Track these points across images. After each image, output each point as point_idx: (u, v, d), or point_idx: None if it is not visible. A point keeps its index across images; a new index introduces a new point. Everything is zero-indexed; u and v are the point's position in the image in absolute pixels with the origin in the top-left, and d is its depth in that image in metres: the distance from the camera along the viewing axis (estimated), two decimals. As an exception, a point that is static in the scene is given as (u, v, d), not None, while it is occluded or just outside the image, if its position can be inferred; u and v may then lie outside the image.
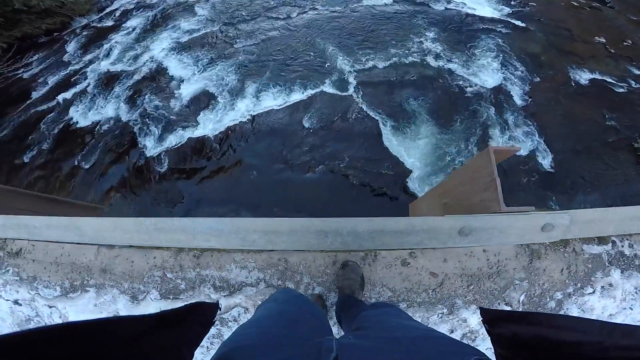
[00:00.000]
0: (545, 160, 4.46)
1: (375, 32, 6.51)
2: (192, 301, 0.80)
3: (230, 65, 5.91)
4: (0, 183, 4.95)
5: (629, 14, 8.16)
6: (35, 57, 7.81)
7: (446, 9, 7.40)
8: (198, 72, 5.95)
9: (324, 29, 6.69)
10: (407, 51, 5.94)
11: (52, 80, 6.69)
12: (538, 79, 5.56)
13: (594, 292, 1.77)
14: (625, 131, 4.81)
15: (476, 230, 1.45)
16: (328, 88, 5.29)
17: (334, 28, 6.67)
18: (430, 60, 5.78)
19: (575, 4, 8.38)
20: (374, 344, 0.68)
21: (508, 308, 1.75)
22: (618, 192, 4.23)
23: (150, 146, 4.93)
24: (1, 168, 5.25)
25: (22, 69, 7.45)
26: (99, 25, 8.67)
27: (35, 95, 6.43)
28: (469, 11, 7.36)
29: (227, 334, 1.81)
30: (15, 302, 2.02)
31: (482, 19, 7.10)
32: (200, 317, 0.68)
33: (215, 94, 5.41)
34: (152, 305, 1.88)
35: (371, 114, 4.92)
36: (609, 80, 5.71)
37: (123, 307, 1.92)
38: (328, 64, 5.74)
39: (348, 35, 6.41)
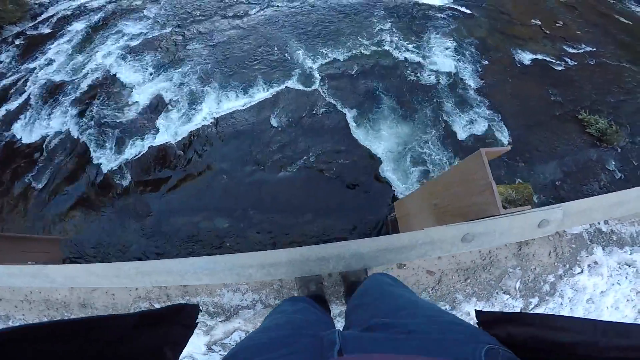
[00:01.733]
0: (503, 137, 4.64)
1: (334, 25, 6.40)
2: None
3: (187, 68, 5.49)
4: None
5: None
6: None
7: (397, -1, 7.48)
8: (151, 77, 5.47)
9: (283, 25, 6.45)
10: (365, 42, 5.90)
11: (-16, 94, 5.87)
12: (487, 62, 5.76)
13: (582, 271, 1.80)
14: (569, 105, 5.10)
15: (479, 236, 1.41)
16: (292, 84, 5.08)
17: (293, 23, 6.46)
18: (387, 49, 5.78)
19: None
20: (381, 335, 0.66)
21: (507, 297, 1.74)
22: (571, 159, 4.49)
23: (108, 159, 4.46)
24: None
25: (-51, 85, 6.49)
26: (34, 32, 7.78)
27: (-34, 113, 5.61)
28: (419, 0, 7.51)
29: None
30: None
31: (431, 7, 7.22)
32: (184, 318, 0.65)
33: (173, 99, 4.99)
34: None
35: (338, 106, 4.81)
36: (548, 59, 6.03)
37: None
38: (290, 60, 5.52)
39: (308, 30, 6.24)
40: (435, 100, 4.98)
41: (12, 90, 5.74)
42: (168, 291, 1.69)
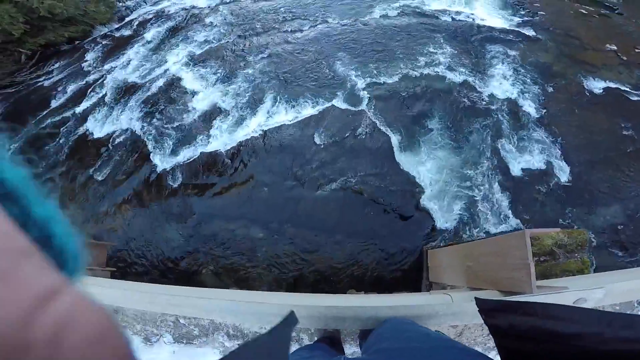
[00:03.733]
0: (562, 173, 4.17)
1: (386, 44, 6.21)
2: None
3: (243, 79, 5.65)
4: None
5: (638, 20, 7.73)
6: (56, 65, 7.69)
7: (455, 20, 7.05)
8: (211, 85, 5.69)
9: (334, 42, 6.40)
10: (417, 64, 5.62)
11: (71, 89, 6.53)
12: (551, 90, 5.21)
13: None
14: (642, 141, 4.48)
15: (506, 310, 1.32)
16: (339, 103, 5.00)
17: (345, 41, 6.39)
18: (441, 72, 5.46)
19: (583, 11, 7.96)
20: (389, 356, 0.65)
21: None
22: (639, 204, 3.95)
23: (163, 160, 4.71)
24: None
25: (44, 77, 7.34)
26: (117, 34, 8.51)
27: (54, 103, 6.29)
28: (479, 22, 7.01)
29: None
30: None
31: (491, 29, 6.74)
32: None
33: (228, 108, 5.15)
34: (165, 348, 1.84)
35: (383, 129, 4.64)
36: (623, 88, 5.34)
37: (136, 349, 1.88)
38: (339, 77, 5.45)
39: (359, 48, 6.12)
40: (489, 129, 4.60)
41: (93, 87, 6.29)
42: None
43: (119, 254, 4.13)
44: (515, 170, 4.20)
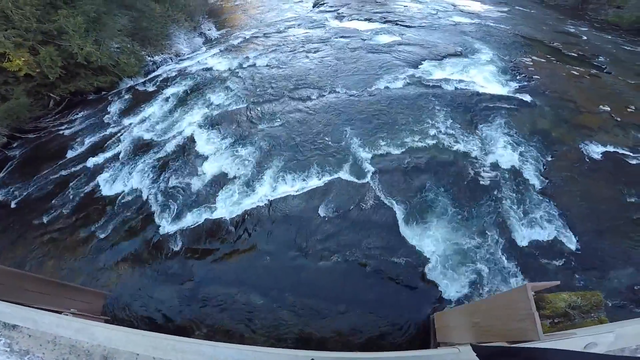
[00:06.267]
0: (570, 242, 4.08)
1: (391, 115, 6.34)
2: None
3: (253, 146, 5.67)
4: (13, 238, 4.75)
5: (626, 78, 8.09)
6: (80, 115, 7.80)
7: (457, 88, 7.30)
8: (222, 150, 5.71)
9: (341, 112, 6.54)
10: (421, 135, 5.66)
11: (89, 141, 6.58)
12: (551, 157, 5.23)
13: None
14: (647, 207, 4.36)
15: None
16: (344, 175, 4.96)
17: (351, 111, 6.52)
18: (444, 143, 5.49)
19: (575, 73, 8.30)
20: None
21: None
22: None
23: (167, 224, 4.56)
24: (19, 225, 4.92)
25: (66, 125, 7.45)
26: (142, 89, 8.80)
27: (70, 154, 6.31)
28: (479, 89, 7.24)
29: None
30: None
31: (491, 96, 6.95)
32: None
33: (236, 176, 5.11)
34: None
35: (387, 202, 4.54)
36: (621, 152, 5.37)
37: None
38: (345, 149, 5.46)
39: (364, 119, 6.23)
40: (494, 201, 4.52)
41: (110, 143, 6.32)
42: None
43: (115, 305, 3.87)
44: (523, 241, 4.06)
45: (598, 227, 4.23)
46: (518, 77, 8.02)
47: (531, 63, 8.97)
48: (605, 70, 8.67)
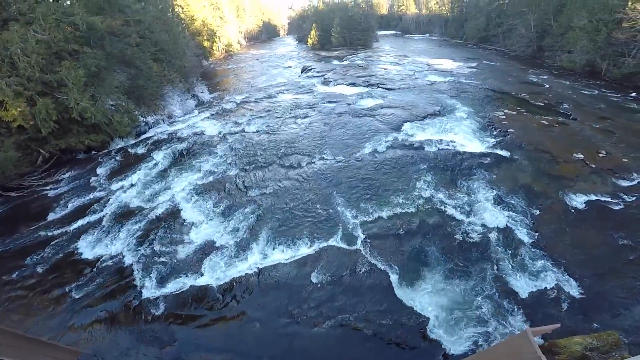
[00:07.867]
0: (571, 288, 4.06)
1: (378, 179, 6.49)
2: None
3: (241, 215, 5.62)
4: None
5: (591, 123, 8.77)
6: (67, 175, 7.62)
7: (439, 149, 7.67)
8: (211, 218, 5.62)
9: (330, 179, 6.68)
10: (409, 198, 5.79)
11: (73, 204, 6.31)
12: (538, 212, 5.34)
13: None
14: (640, 246, 4.38)
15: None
16: (336, 242, 4.90)
17: (339, 177, 6.68)
18: (431, 205, 5.58)
19: (545, 122, 8.96)
20: None
21: None
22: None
23: (149, 289, 4.28)
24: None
25: (51, 185, 7.20)
26: (132, 151, 8.78)
27: (51, 216, 6.01)
28: (460, 148, 7.62)
29: None
30: None
31: (471, 155, 7.28)
32: None
33: (224, 244, 4.96)
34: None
35: (380, 266, 4.44)
36: (603, 199, 5.54)
37: None
38: (335, 216, 5.48)
39: (353, 184, 6.37)
40: (487, 259, 4.49)
41: (94, 207, 6.11)
42: None
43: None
44: (523, 292, 3.99)
45: (597, 271, 4.27)
46: (494, 132, 8.55)
47: (504, 117, 9.68)
48: (571, 117, 9.40)
